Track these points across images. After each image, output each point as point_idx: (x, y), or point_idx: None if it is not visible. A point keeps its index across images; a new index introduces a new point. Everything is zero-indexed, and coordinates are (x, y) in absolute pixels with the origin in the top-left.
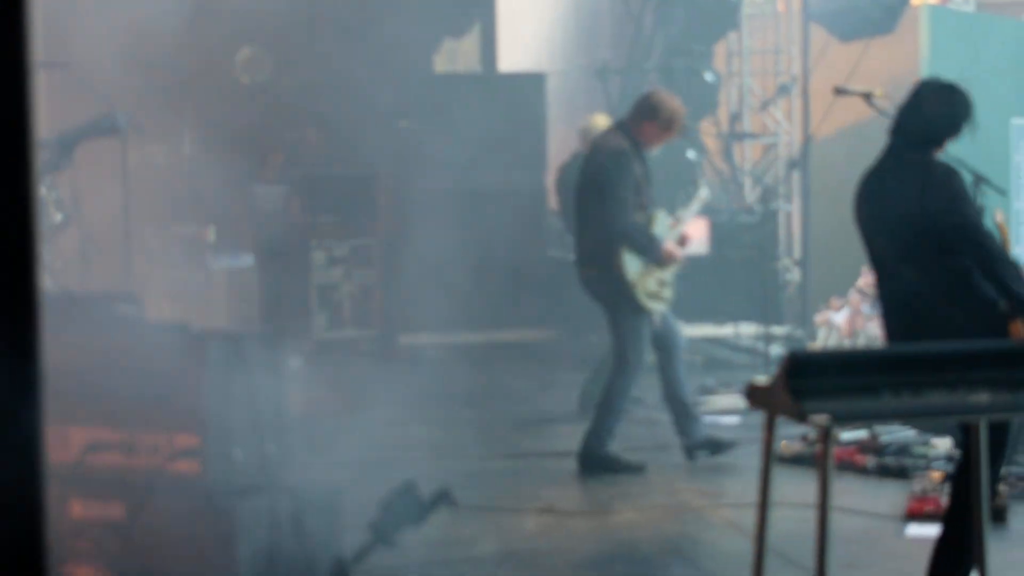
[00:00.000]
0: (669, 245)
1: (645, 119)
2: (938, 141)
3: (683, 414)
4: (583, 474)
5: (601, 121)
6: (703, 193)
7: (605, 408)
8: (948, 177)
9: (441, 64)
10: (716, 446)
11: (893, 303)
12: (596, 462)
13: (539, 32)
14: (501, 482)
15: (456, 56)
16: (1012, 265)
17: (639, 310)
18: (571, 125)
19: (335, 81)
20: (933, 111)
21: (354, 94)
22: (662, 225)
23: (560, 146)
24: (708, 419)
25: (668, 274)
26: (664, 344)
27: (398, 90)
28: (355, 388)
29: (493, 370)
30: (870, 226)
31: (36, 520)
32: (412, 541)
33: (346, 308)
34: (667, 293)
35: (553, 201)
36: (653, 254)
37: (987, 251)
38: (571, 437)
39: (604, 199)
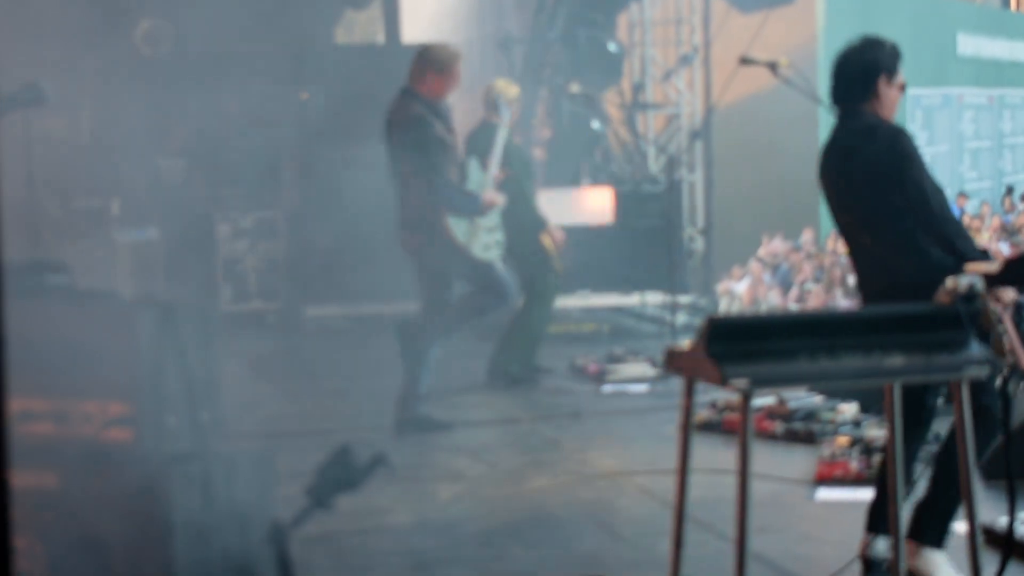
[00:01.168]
0: (488, 194)
1: (427, 72)
2: (872, 89)
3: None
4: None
5: (503, 86)
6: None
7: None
8: (896, 138)
9: (343, 35)
10: (430, 424)
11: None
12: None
13: (443, 2)
14: (412, 452)
15: (358, 27)
16: (956, 223)
17: (479, 263)
18: (476, 95)
19: (236, 53)
20: (860, 60)
21: (255, 66)
22: (475, 174)
23: (465, 117)
24: (614, 388)
25: (493, 219)
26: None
27: (300, 62)
28: (262, 360)
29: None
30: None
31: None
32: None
33: (251, 280)
34: (499, 236)
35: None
36: (474, 209)
37: (932, 211)
38: (480, 407)
39: (415, 169)
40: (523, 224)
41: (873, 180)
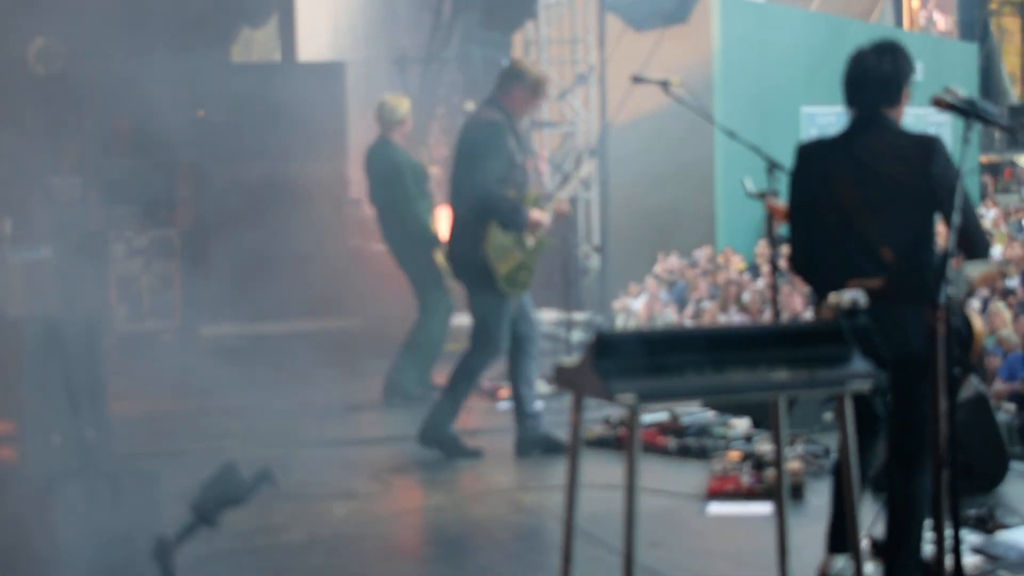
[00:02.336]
0: (535, 213)
1: (513, 85)
2: (899, 95)
3: (520, 411)
4: (421, 452)
5: (394, 100)
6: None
7: (452, 387)
8: (940, 149)
9: (240, 54)
10: (551, 445)
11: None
12: (438, 441)
13: (339, 21)
14: (307, 470)
15: (255, 45)
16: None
17: (499, 293)
18: (372, 114)
19: (132, 71)
20: (891, 64)
21: (151, 84)
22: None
23: (361, 135)
24: (509, 405)
25: (531, 259)
26: (516, 333)
27: (195, 80)
28: (157, 380)
29: (295, 359)
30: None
31: None
32: (219, 529)
33: (146, 300)
34: (525, 278)
35: (355, 189)
36: (519, 221)
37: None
38: (375, 425)
39: (474, 170)
40: (417, 240)
41: (911, 190)
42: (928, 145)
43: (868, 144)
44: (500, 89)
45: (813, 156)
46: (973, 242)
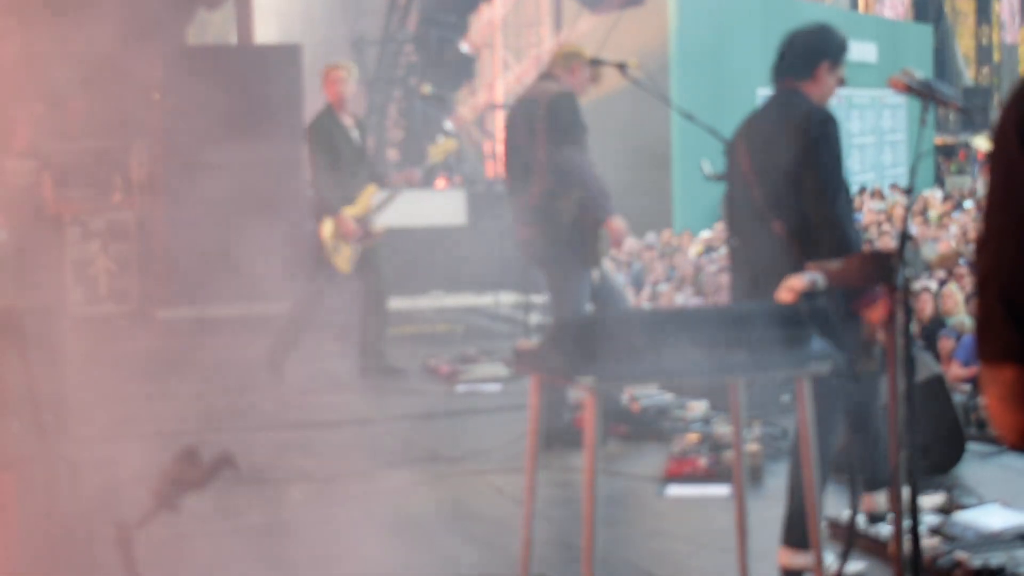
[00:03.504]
0: (619, 221)
1: (574, 63)
2: (813, 71)
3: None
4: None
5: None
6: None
7: None
8: (824, 124)
9: (195, 36)
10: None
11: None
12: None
13: (295, 3)
14: (263, 453)
15: (211, 28)
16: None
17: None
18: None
19: (85, 53)
20: (808, 41)
21: (107, 66)
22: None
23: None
24: (468, 388)
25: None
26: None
27: (151, 63)
28: (114, 362)
29: (251, 343)
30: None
31: None
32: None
33: (102, 283)
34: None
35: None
36: (604, 207)
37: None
38: (331, 407)
39: (571, 143)
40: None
41: (789, 157)
42: (810, 123)
43: (767, 116)
44: (560, 67)
45: (742, 126)
46: (820, 237)
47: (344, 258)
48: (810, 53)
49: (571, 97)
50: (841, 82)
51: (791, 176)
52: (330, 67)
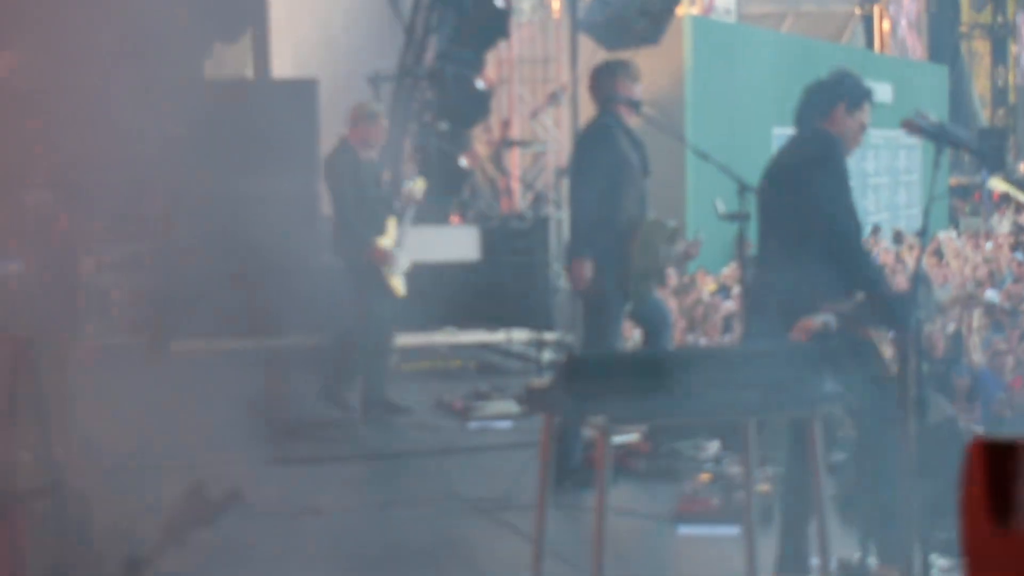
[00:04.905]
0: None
1: (617, 76)
2: (829, 113)
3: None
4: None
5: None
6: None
7: None
8: (823, 145)
9: (212, 69)
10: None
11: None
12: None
13: (312, 37)
14: (277, 486)
15: (228, 61)
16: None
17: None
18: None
19: (102, 85)
20: (825, 86)
21: (122, 99)
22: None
23: None
24: (480, 425)
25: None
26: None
27: (167, 95)
28: (128, 395)
29: (266, 376)
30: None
31: None
32: (192, 544)
33: (117, 314)
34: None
35: (326, 206)
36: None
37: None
38: (344, 442)
39: (593, 180)
40: None
41: (787, 180)
42: (809, 159)
43: (781, 155)
44: (602, 90)
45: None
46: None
47: (398, 283)
48: (827, 95)
49: (588, 130)
50: (863, 127)
51: (804, 209)
52: (360, 108)
